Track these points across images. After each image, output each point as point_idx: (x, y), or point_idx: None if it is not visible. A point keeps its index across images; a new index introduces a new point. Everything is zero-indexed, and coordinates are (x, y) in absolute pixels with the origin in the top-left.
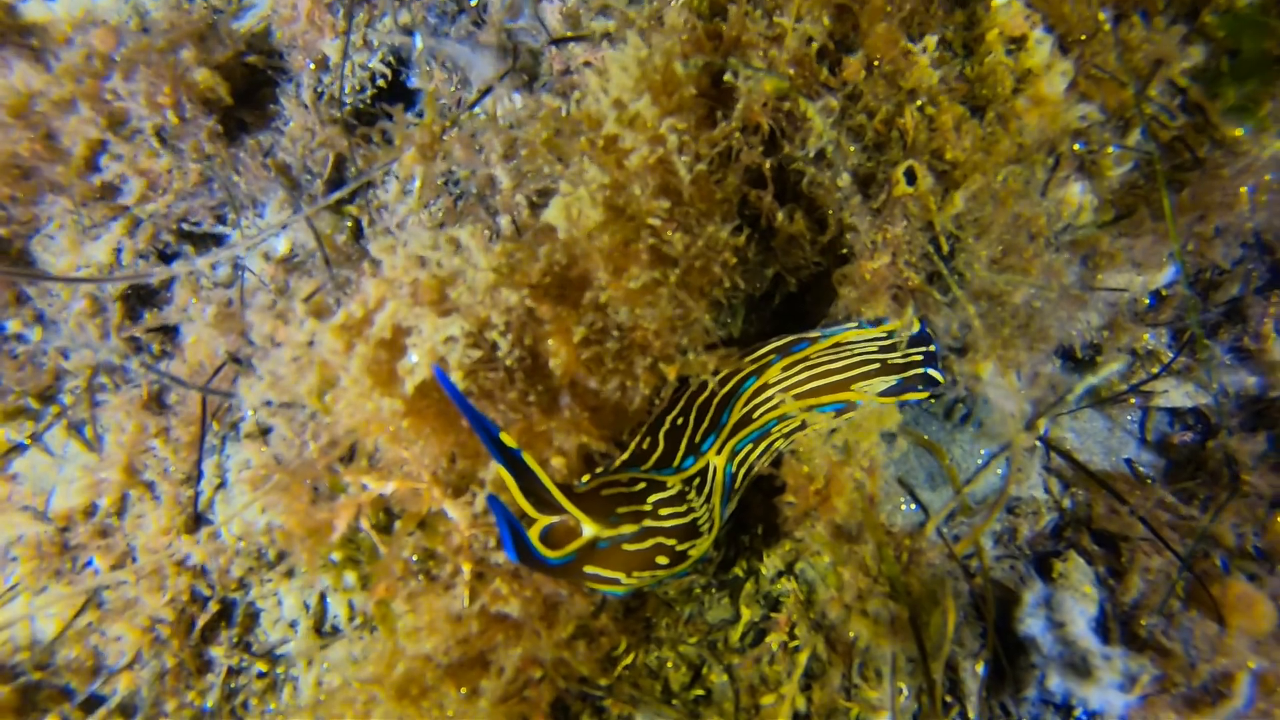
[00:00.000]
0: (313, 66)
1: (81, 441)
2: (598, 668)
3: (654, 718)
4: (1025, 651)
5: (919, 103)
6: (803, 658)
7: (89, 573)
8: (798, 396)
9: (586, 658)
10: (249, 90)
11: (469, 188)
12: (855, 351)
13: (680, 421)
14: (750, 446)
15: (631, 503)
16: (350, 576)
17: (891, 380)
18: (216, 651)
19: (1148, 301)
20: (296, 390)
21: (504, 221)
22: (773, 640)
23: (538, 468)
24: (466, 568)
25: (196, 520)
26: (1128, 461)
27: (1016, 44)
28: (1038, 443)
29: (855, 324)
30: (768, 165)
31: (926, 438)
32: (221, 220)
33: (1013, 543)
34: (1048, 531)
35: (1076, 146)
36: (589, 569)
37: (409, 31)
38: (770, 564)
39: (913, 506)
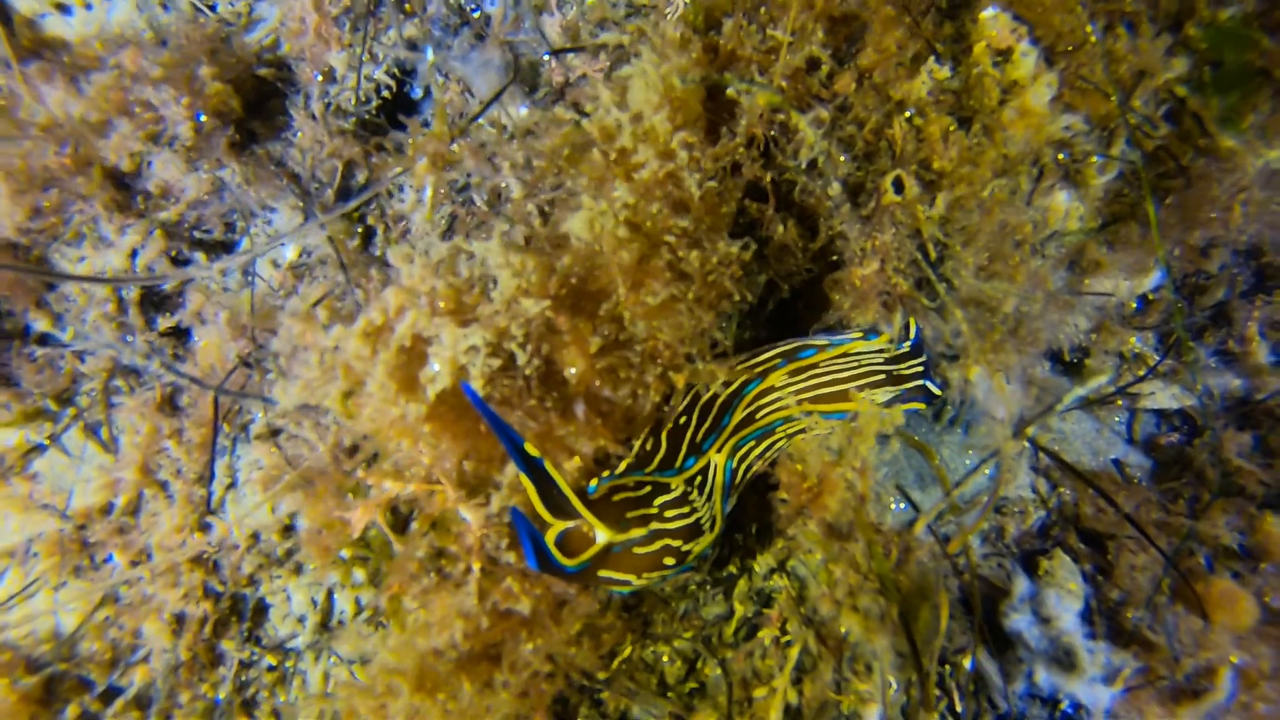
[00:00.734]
0: (320, 78)
1: (98, 442)
2: (598, 662)
3: (650, 710)
4: (1012, 646)
5: (907, 114)
6: (794, 652)
7: (109, 568)
8: (803, 402)
9: (589, 652)
10: (259, 101)
11: (479, 196)
12: (863, 362)
13: (682, 421)
14: (753, 444)
15: (639, 506)
16: (359, 573)
17: (895, 391)
18: (228, 645)
19: (1135, 305)
20: (324, 393)
21: (518, 232)
22: (765, 635)
23: (559, 476)
24: (477, 566)
25: (209, 518)
26: (1115, 462)
27: (1003, 56)
28: (1026, 444)
29: (861, 333)
30: (769, 178)
31: (917, 439)
32: (231, 228)
33: (1000, 541)
34: (1035, 530)
35: (1061, 156)
36: (603, 573)
37: (414, 44)
38: (763, 561)
39: (902, 505)
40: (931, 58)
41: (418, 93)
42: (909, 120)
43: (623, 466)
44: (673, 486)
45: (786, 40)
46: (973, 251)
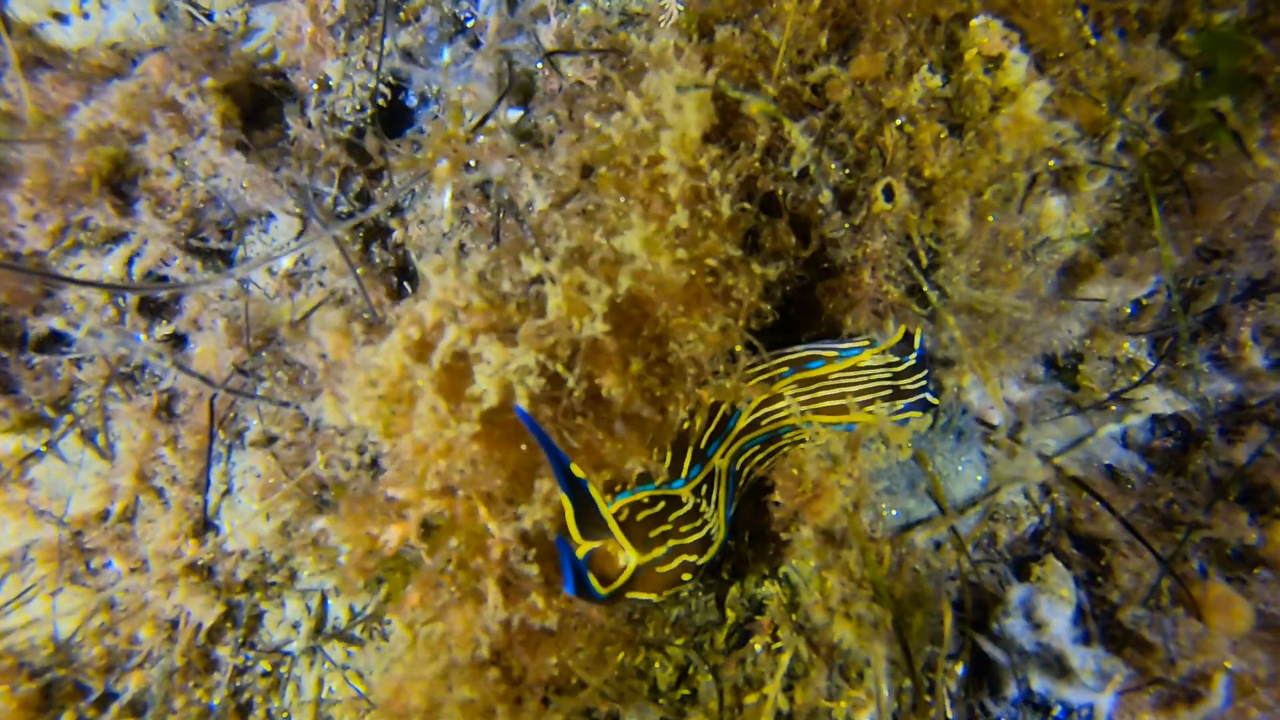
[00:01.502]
0: (315, 87)
1: (94, 449)
2: (614, 673)
3: (641, 716)
4: (1004, 652)
5: (898, 121)
6: (785, 659)
7: (106, 574)
8: (811, 413)
9: (609, 665)
10: (256, 109)
11: (502, 204)
12: (872, 377)
13: (686, 426)
14: (757, 449)
15: (658, 524)
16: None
17: (899, 404)
18: (223, 651)
19: (1129, 311)
20: (368, 412)
21: (560, 246)
22: (756, 642)
23: (600, 500)
24: (492, 584)
25: (205, 525)
26: (1108, 467)
27: (994, 63)
28: (1019, 448)
29: (867, 341)
30: (781, 193)
31: (893, 438)
32: (228, 236)
33: (992, 547)
34: (1027, 536)
35: (1052, 163)
36: (629, 595)
37: (409, 53)
38: (755, 568)
39: (894, 513)
40: (925, 66)
41: (413, 100)
42: (900, 128)
43: (633, 479)
44: (684, 500)
45: (782, 47)
46: (964, 259)
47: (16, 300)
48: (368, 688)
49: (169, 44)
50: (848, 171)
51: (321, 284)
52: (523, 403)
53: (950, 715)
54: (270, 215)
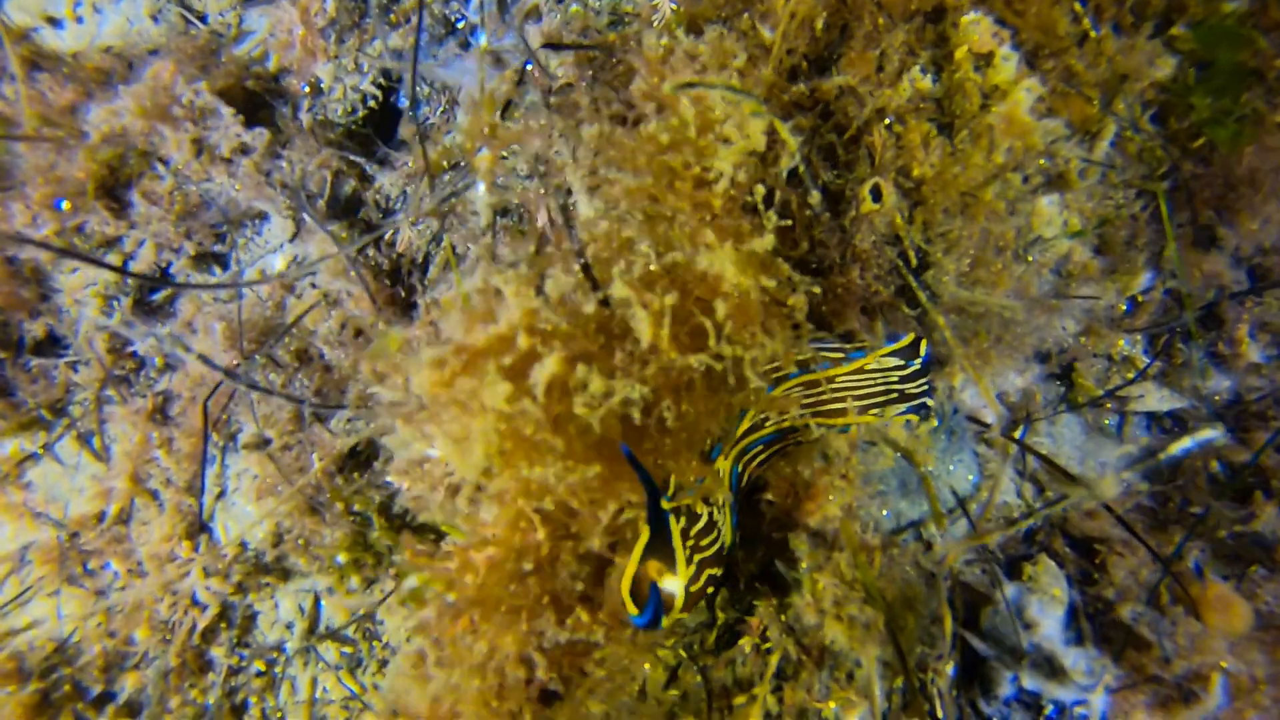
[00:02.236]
0: (307, 89)
1: (90, 452)
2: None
3: (630, 716)
4: (994, 651)
5: (887, 121)
6: (774, 659)
7: (103, 575)
8: (818, 414)
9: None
10: (248, 112)
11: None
12: (877, 381)
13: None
14: (760, 449)
15: (685, 541)
16: (354, 580)
17: (902, 407)
18: (217, 652)
19: (1124, 308)
20: (477, 450)
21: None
22: (745, 643)
23: (676, 531)
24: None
25: (200, 527)
26: (1103, 464)
27: (985, 60)
28: (1013, 446)
29: (870, 343)
30: (793, 200)
31: (904, 446)
32: (221, 239)
33: (984, 547)
34: (1020, 535)
35: (1043, 161)
36: (674, 617)
37: (399, 54)
38: (745, 569)
39: (884, 513)
40: (916, 67)
41: (404, 102)
42: (889, 127)
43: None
44: (699, 511)
45: (779, 43)
46: (954, 258)
47: (12, 304)
48: (361, 688)
49: (163, 48)
50: (836, 172)
51: (314, 285)
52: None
53: (941, 715)
54: (264, 217)
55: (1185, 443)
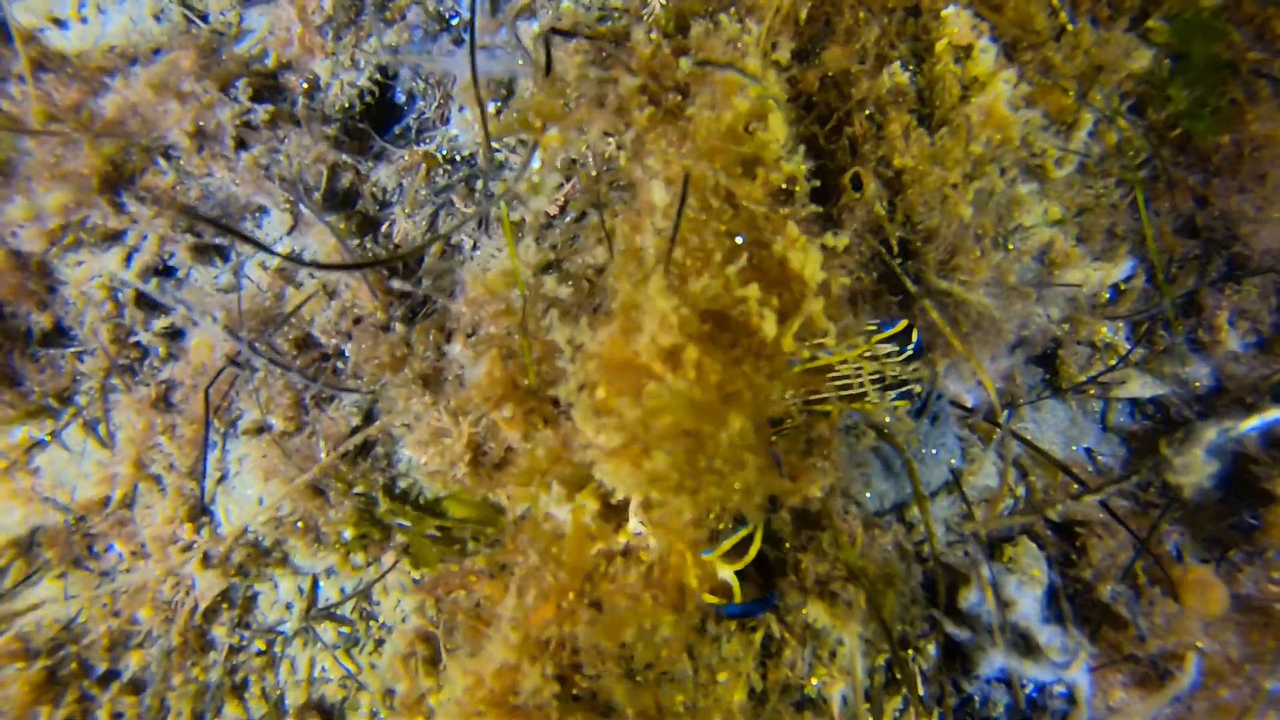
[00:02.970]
0: (305, 86)
1: (96, 439)
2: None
3: (615, 691)
4: (974, 632)
5: (867, 111)
6: (758, 637)
7: (109, 558)
8: (809, 403)
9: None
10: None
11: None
12: (874, 368)
13: None
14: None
15: None
16: (359, 556)
17: (891, 394)
18: (219, 631)
19: (1108, 295)
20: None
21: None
22: (730, 622)
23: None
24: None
25: (202, 510)
26: (1087, 450)
27: (964, 52)
28: (996, 431)
29: (875, 327)
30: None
31: (888, 431)
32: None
33: (964, 528)
34: (1003, 517)
35: (1021, 151)
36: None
37: (395, 50)
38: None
39: (867, 495)
40: (896, 62)
41: (401, 97)
42: (869, 118)
43: None
44: None
45: (760, 38)
46: (933, 248)
47: (20, 296)
48: (357, 667)
49: (165, 47)
50: (819, 163)
51: (313, 276)
52: None
53: (922, 693)
54: (264, 210)
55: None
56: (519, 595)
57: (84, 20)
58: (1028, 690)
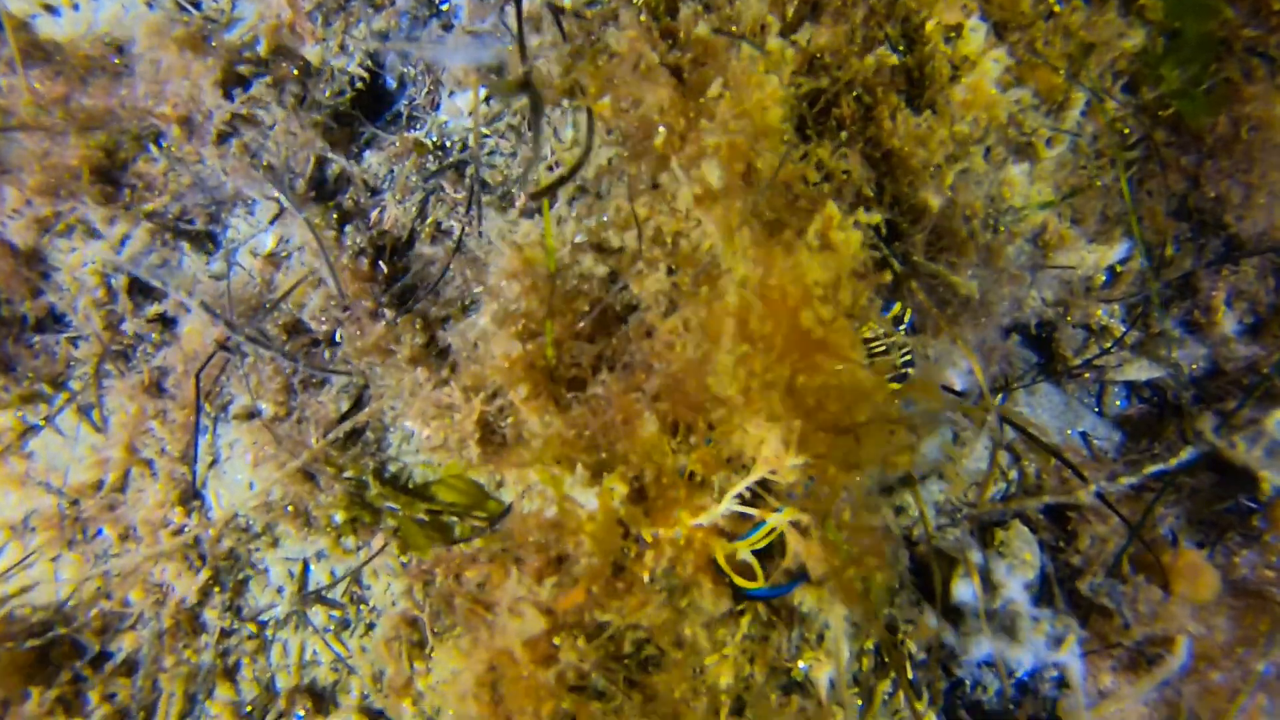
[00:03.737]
0: (295, 72)
1: (89, 423)
2: None
3: (605, 675)
4: (963, 616)
5: (855, 93)
6: (745, 620)
7: (100, 541)
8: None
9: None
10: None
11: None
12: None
13: None
14: None
15: None
16: (350, 539)
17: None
18: (210, 614)
19: (1103, 278)
20: None
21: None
22: (727, 607)
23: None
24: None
25: (193, 494)
26: (1082, 434)
27: (954, 32)
28: (989, 416)
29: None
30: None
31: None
32: (214, 219)
33: (955, 511)
34: (995, 501)
35: (1011, 131)
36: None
37: (384, 36)
38: None
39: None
40: (886, 45)
41: (391, 84)
42: (857, 99)
43: None
44: None
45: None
46: (920, 229)
47: (13, 284)
48: (347, 651)
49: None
50: (809, 143)
51: (303, 263)
52: None
53: (911, 676)
54: (253, 199)
55: None
56: (535, 579)
57: (76, 7)
58: (1019, 674)
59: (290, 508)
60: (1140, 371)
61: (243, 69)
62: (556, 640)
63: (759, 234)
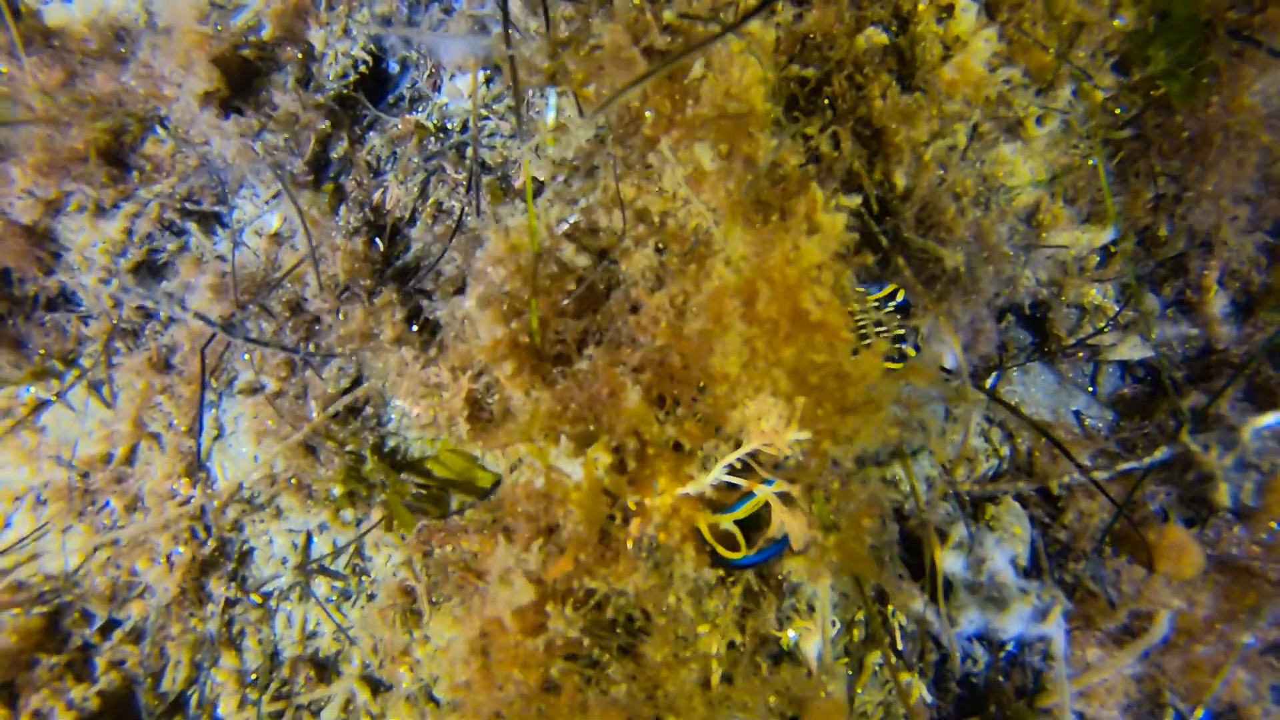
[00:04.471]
0: (300, 56)
1: (99, 399)
2: None
3: (594, 642)
4: (953, 588)
5: (847, 71)
6: (737, 591)
7: (109, 512)
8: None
9: None
10: (244, 80)
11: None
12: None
13: None
14: None
15: None
16: (348, 512)
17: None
18: (216, 584)
19: (1098, 259)
20: None
21: None
22: (710, 575)
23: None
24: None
25: (199, 466)
26: (1075, 413)
27: (946, 12)
28: (982, 395)
29: (864, 289)
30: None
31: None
32: (221, 200)
33: (948, 487)
34: (987, 478)
35: (1003, 110)
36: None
37: (387, 21)
38: None
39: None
40: (872, 25)
41: (394, 67)
42: (849, 78)
43: None
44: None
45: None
46: (910, 206)
47: (25, 262)
48: (348, 621)
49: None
50: (800, 124)
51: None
52: None
53: (901, 647)
54: (252, 183)
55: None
56: (525, 548)
57: None
58: (1009, 648)
59: (294, 480)
60: (1134, 351)
61: (246, 53)
62: (548, 608)
63: (753, 215)
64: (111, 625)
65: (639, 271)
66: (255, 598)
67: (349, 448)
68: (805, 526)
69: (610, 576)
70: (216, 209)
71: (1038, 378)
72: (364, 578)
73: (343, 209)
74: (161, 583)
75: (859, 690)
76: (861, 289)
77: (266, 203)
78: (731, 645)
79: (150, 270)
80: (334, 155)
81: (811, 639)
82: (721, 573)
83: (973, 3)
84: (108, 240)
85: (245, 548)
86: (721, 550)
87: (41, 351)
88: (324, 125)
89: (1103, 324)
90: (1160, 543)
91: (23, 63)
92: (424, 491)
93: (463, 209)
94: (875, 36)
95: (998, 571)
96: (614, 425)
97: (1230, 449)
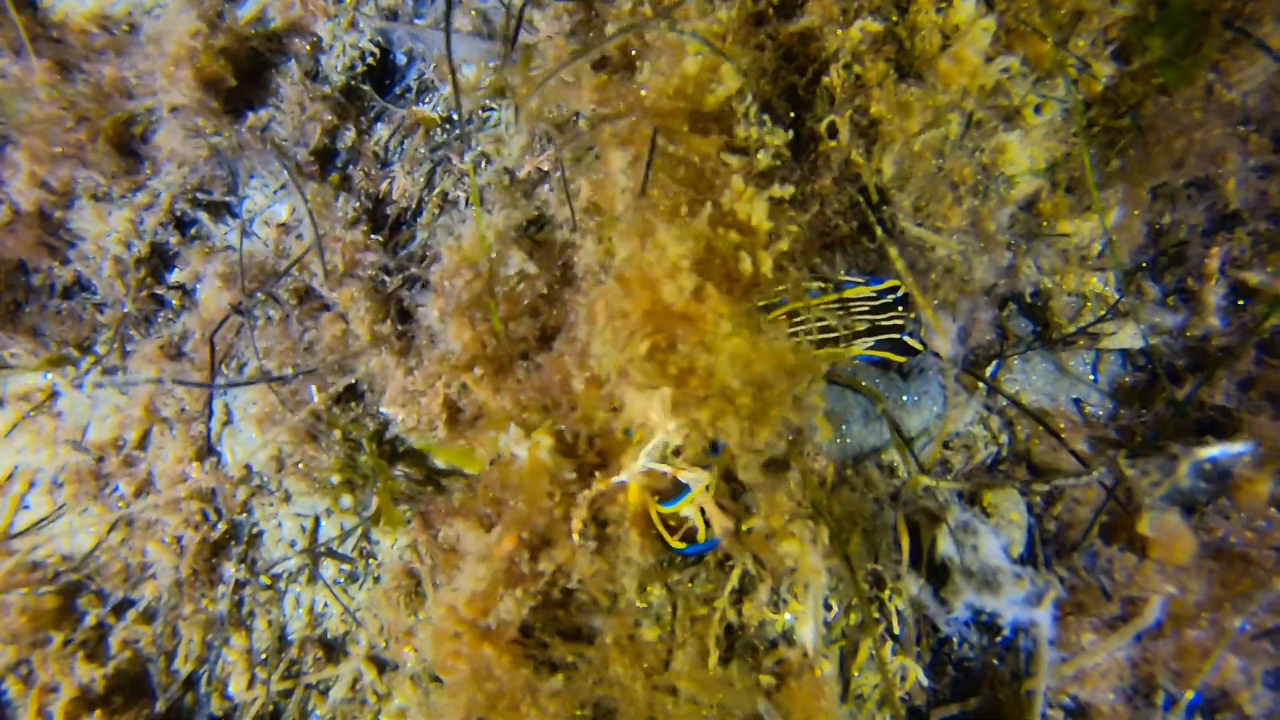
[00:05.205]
0: (308, 48)
1: (113, 384)
2: None
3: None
4: (949, 573)
5: (845, 60)
6: (735, 574)
7: (118, 496)
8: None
9: None
10: (253, 72)
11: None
12: (853, 311)
13: None
14: None
15: None
16: (347, 499)
17: (870, 341)
18: (227, 566)
19: (1099, 248)
20: None
21: None
22: (709, 558)
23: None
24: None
25: (209, 451)
26: (1075, 401)
27: (946, 2)
28: (980, 383)
29: (863, 280)
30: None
31: (865, 384)
32: (231, 190)
33: (946, 475)
34: (985, 465)
35: (1002, 99)
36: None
37: (393, 14)
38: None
39: (846, 440)
40: (868, 14)
41: (401, 59)
42: (847, 67)
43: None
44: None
45: None
46: (907, 195)
47: (39, 252)
48: (354, 603)
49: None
50: (796, 114)
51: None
52: None
53: (898, 631)
54: (260, 173)
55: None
56: (486, 530)
57: None
58: (1005, 633)
59: (301, 465)
60: (1134, 340)
61: (254, 44)
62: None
63: (641, 215)
64: (126, 605)
65: (584, 267)
66: (265, 579)
67: (350, 435)
68: (723, 518)
69: (556, 557)
70: (227, 199)
71: (1037, 366)
72: (371, 560)
73: (341, 198)
74: (174, 564)
75: (855, 673)
76: (860, 280)
77: (275, 193)
78: (730, 629)
79: (163, 259)
80: (341, 146)
81: (806, 622)
82: (674, 559)
83: None
84: (119, 231)
85: (255, 531)
86: (669, 538)
87: (58, 339)
88: (330, 117)
89: (1103, 312)
90: (1153, 531)
91: (31, 63)
92: (417, 485)
93: (467, 201)
94: (869, 26)
95: (991, 554)
96: (574, 408)
97: (1161, 483)
